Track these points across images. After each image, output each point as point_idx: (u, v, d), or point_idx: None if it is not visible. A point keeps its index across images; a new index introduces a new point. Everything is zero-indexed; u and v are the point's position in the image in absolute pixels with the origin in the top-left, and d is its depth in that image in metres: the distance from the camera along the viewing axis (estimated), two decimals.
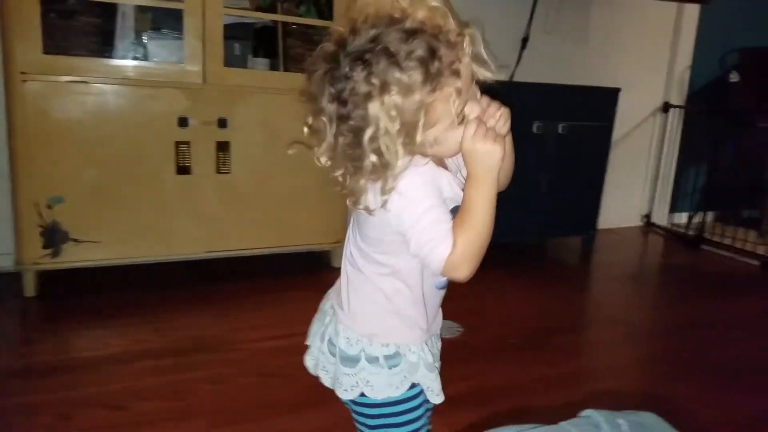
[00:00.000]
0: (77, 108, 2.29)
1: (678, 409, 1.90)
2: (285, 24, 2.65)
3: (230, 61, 2.53)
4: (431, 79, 0.82)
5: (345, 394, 1.00)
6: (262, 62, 2.66)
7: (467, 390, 1.88)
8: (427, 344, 1.04)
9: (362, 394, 0.99)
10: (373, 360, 0.99)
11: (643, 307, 2.94)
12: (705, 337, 2.51)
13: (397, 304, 1.00)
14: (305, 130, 0.95)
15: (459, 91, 0.85)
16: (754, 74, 3.97)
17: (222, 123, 2.48)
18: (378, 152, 0.84)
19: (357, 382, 0.99)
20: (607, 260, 3.58)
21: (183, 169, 2.46)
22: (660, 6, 3.89)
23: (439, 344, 1.11)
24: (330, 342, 1.03)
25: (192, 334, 2.18)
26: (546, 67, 3.59)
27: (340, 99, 0.85)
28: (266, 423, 1.69)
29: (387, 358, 0.99)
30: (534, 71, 3.47)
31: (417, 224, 0.89)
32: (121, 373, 1.90)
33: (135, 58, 2.42)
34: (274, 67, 2.67)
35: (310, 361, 1.08)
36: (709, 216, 4.18)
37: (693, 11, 4.09)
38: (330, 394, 1.85)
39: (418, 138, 0.85)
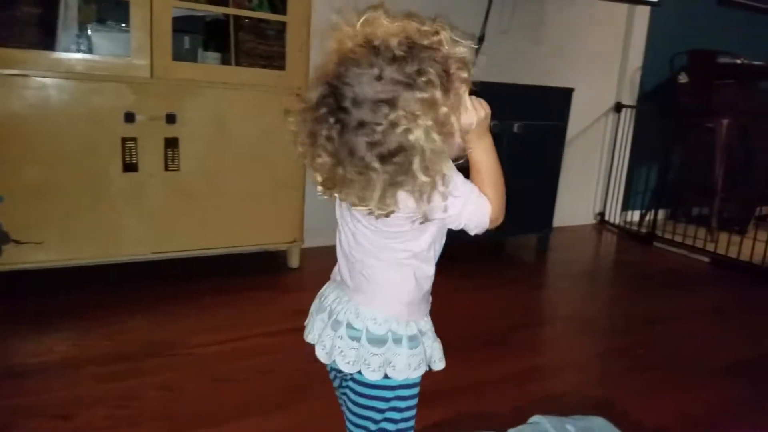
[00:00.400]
0: (17, 102, 2.18)
1: (632, 404, 1.91)
2: (237, 17, 2.58)
3: (179, 54, 2.45)
4: (445, 85, 0.86)
5: (373, 374, 1.01)
6: (214, 56, 2.59)
7: (423, 389, 1.85)
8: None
9: (385, 376, 1.02)
10: (397, 340, 1.03)
11: (598, 304, 2.97)
12: (658, 332, 2.54)
13: (416, 282, 1.06)
14: (319, 189, 0.95)
15: (466, 80, 0.90)
16: (701, 76, 4.06)
17: (171, 118, 2.40)
18: (428, 170, 0.87)
19: (383, 363, 1.02)
20: (562, 258, 3.60)
21: (130, 167, 2.37)
22: (612, 8, 3.95)
23: None
24: (350, 326, 1.04)
25: (141, 337, 2.10)
26: (501, 66, 3.59)
27: (377, 145, 0.85)
28: (219, 429, 1.63)
29: (410, 338, 1.04)
30: (489, 70, 3.46)
31: (460, 204, 0.97)
32: (67, 380, 1.81)
33: (79, 51, 2.32)
34: (225, 62, 2.60)
35: (321, 351, 1.07)
36: (661, 214, 4.26)
37: (644, 13, 4.17)
38: (286, 398, 1.80)
39: (457, 139, 0.90)
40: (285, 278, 2.81)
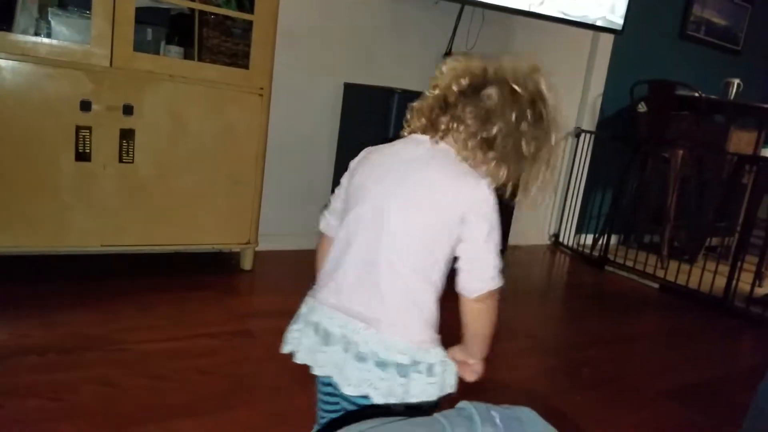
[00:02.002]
0: None
1: (574, 422, 1.92)
2: (203, 13, 2.55)
3: (141, 46, 2.41)
4: None
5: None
6: (176, 50, 2.55)
7: None
8: None
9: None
10: (418, 369, 1.05)
11: (548, 322, 2.99)
12: (604, 353, 2.57)
13: (435, 306, 1.09)
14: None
15: None
16: (660, 106, 4.15)
17: (128, 110, 2.35)
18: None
19: (405, 391, 1.04)
20: (516, 276, 3.63)
21: (82, 156, 2.31)
22: (576, 34, 4.01)
23: None
24: (379, 360, 1.03)
25: (80, 331, 2.04)
26: None
27: None
28: (153, 427, 1.59)
29: (428, 366, 1.06)
30: None
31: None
32: (1, 369, 1.75)
33: (37, 34, 2.26)
34: (188, 56, 2.56)
35: (345, 384, 1.04)
36: (614, 239, 4.33)
37: (607, 41, 4.25)
38: (226, 400, 1.77)
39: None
40: (236, 280, 2.77)
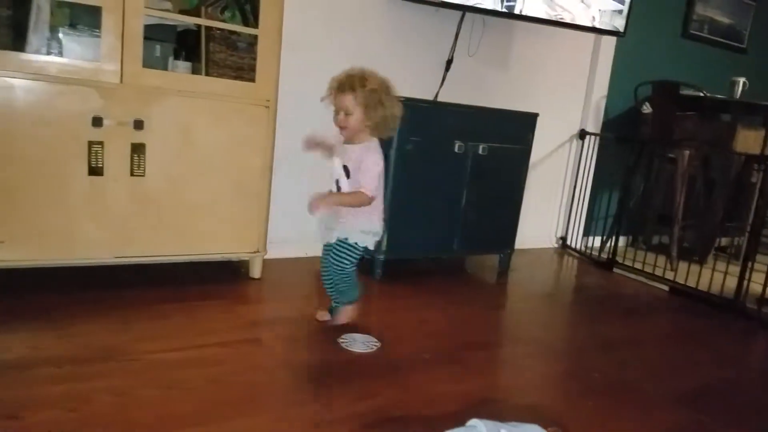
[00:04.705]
0: None
1: (584, 428, 1.93)
2: (209, 28, 2.60)
3: (150, 62, 2.46)
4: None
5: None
6: (184, 65, 2.61)
7: (380, 404, 1.87)
8: None
9: None
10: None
11: (556, 326, 3.00)
12: (614, 357, 2.57)
13: None
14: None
15: None
16: (664, 107, 4.16)
17: (138, 124, 2.41)
18: None
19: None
20: (523, 279, 3.65)
21: (95, 170, 2.37)
22: (579, 36, 4.04)
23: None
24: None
25: (94, 342, 2.09)
26: (468, 88, 3.67)
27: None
28: None
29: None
30: (457, 92, 3.55)
31: None
32: (16, 381, 1.79)
33: (49, 54, 2.32)
34: (195, 71, 2.62)
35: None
36: (622, 241, 4.34)
37: (609, 43, 4.27)
38: (237, 409, 1.80)
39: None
40: (245, 289, 2.81)
